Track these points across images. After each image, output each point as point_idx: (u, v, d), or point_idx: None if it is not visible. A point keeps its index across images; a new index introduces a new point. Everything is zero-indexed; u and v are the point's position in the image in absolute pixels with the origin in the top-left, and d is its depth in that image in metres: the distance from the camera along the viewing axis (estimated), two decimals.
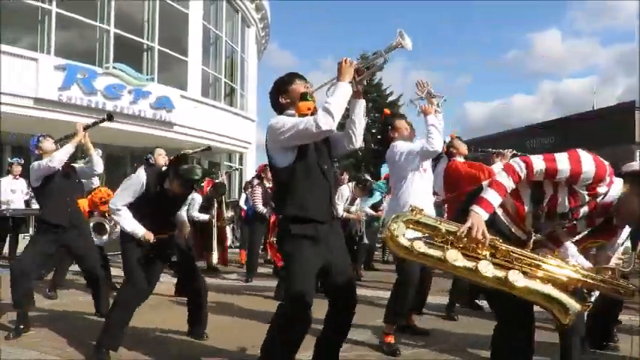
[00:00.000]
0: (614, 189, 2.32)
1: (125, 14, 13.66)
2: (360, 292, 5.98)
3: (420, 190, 4.05)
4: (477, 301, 5.32)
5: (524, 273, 2.20)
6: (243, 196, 9.01)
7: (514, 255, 2.25)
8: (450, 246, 2.26)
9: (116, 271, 6.12)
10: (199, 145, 12.20)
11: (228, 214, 8.90)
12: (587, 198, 2.29)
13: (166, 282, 6.39)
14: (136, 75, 12.69)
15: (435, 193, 4.83)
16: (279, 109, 2.94)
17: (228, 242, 9.54)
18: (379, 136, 31.77)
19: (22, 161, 8.76)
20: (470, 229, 2.22)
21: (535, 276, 2.22)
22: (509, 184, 2.30)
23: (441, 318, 4.90)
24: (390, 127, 4.31)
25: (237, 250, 9.86)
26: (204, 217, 7.73)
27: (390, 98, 33.93)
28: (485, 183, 2.43)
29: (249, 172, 16.52)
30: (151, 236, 3.63)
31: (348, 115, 2.94)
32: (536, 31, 75.32)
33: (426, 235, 2.37)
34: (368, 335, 4.17)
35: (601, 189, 2.27)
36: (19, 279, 4.08)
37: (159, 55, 14.24)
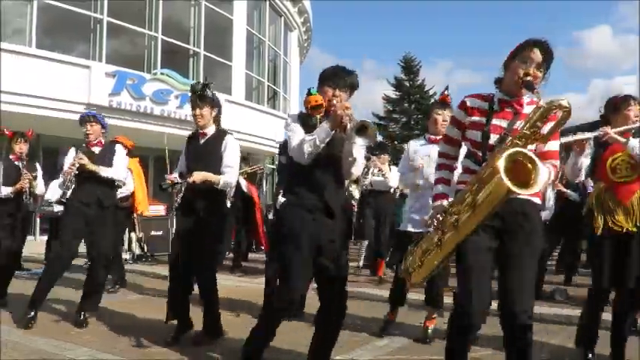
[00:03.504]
0: None
1: (172, 21, 14.06)
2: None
3: None
4: None
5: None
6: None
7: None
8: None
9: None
10: (243, 147, 12.40)
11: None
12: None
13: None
14: (182, 80, 13.00)
15: None
16: None
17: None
18: None
19: None
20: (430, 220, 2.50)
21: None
22: (438, 174, 2.65)
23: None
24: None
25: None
26: None
27: (433, 99, 33.52)
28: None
29: None
30: None
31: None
32: (586, 28, 72.76)
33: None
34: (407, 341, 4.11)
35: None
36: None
37: (204, 60, 14.57)
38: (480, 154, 2.45)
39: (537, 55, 2.37)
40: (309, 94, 2.99)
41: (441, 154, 2.69)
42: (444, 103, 4.10)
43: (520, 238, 2.41)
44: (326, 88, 3.02)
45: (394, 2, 63.53)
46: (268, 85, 18.04)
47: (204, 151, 3.98)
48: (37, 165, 5.82)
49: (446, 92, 4.12)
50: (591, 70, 69.80)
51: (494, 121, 2.46)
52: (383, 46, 65.01)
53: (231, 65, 15.50)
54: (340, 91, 3.02)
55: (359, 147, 2.90)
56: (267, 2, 17.47)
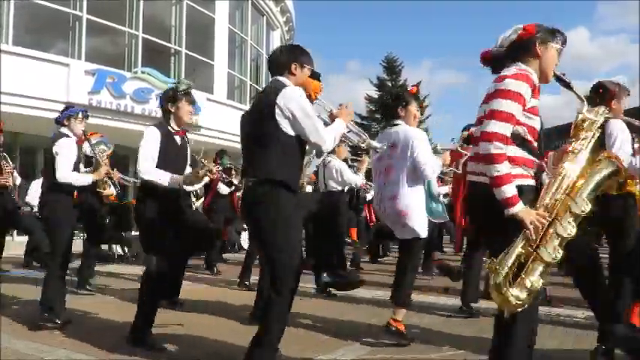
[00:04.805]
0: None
1: (153, 19, 13.93)
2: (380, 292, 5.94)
3: None
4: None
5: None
6: None
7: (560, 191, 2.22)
8: (537, 250, 2.16)
9: None
10: (225, 147, 12.35)
11: None
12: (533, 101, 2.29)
13: None
14: (163, 79, 12.91)
15: None
16: (281, 71, 2.88)
17: None
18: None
19: None
20: (532, 225, 2.10)
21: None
22: (506, 168, 2.14)
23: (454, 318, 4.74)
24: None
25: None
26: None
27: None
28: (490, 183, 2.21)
29: None
30: None
31: None
32: (564, 30, 73.55)
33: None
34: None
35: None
36: None
37: (186, 59, 14.47)
38: (536, 145, 2.28)
39: None
40: (318, 79, 2.86)
41: (504, 138, 2.15)
42: (418, 97, 3.98)
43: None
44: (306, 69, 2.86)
45: (378, 2, 63.85)
46: (250, 85, 17.98)
47: (183, 151, 4.01)
48: (6, 156, 5.76)
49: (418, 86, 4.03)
50: (568, 72, 70.43)
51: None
52: (367, 46, 65.33)
53: (213, 64, 15.42)
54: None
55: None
56: (250, 1, 17.42)
